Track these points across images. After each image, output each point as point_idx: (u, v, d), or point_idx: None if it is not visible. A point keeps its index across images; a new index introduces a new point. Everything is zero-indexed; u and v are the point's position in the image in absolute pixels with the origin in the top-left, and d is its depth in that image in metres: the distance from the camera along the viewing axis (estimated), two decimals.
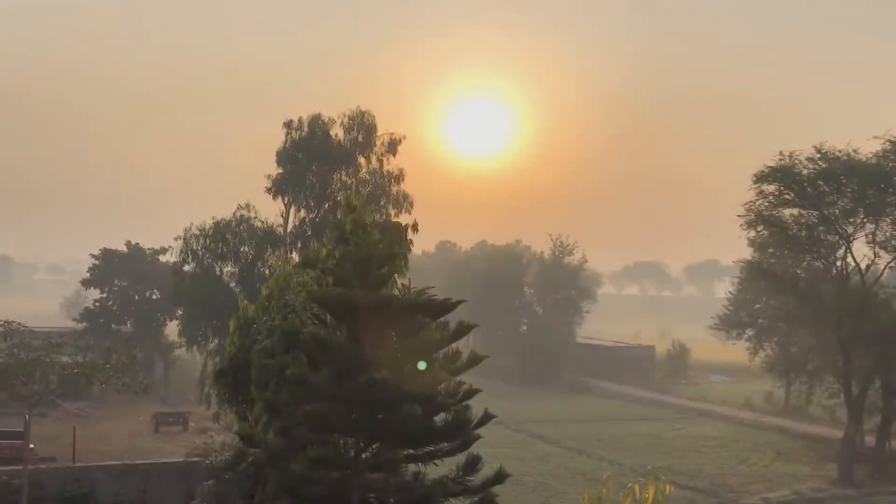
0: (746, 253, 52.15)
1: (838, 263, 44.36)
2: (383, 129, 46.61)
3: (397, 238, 25.00)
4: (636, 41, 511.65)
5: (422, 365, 16.08)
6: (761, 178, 42.57)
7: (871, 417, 46.57)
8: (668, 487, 9.64)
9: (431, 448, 16.65)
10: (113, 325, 68.03)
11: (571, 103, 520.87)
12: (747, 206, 43.69)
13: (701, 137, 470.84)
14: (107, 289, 70.17)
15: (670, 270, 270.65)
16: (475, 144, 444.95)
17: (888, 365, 43.21)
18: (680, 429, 56.37)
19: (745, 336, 68.71)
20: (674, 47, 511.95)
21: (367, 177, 45.93)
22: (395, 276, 21.05)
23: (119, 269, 70.03)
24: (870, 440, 45.52)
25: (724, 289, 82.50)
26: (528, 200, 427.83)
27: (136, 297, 69.95)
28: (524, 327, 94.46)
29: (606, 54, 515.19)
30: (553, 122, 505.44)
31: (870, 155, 41.80)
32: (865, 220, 42.54)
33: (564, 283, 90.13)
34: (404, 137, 46.71)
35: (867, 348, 43.49)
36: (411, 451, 16.68)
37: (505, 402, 59.23)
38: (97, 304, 70.15)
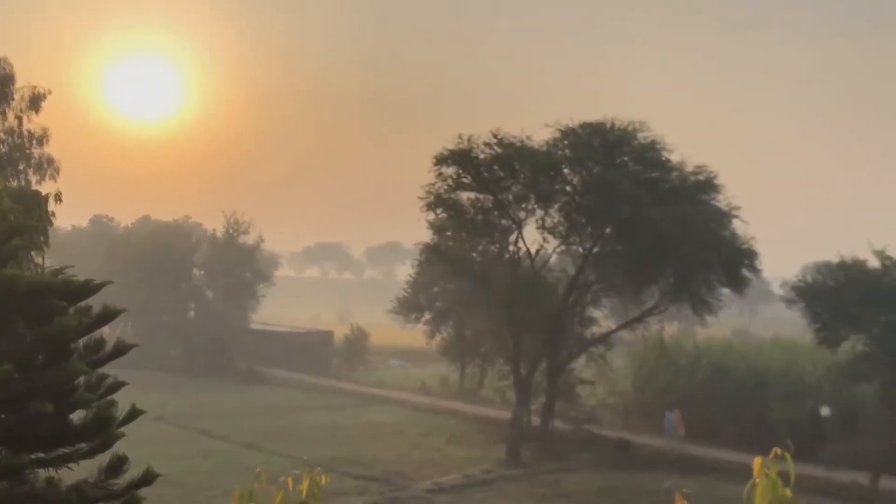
0: (426, 236, 54.24)
1: (511, 248, 48.18)
2: (25, 81, 42.73)
3: (35, 208, 23.03)
4: (325, 14, 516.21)
5: None
6: (441, 160, 44.95)
7: (538, 398, 51.08)
8: (323, 478, 9.73)
9: (66, 450, 15.49)
10: None
11: (249, 70, 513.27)
12: (427, 187, 45.96)
13: (384, 117, 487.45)
14: None
15: (352, 252, 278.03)
16: (143, 109, 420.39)
17: (553, 347, 47.79)
18: (357, 416, 57.93)
19: (423, 319, 72.31)
20: (362, 23, 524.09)
21: (3, 136, 41.85)
22: (33, 253, 19.34)
23: None
24: (537, 421, 49.92)
25: (405, 272, 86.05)
26: (200, 174, 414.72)
27: None
28: (192, 313, 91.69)
29: (289, 29, 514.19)
30: (231, 90, 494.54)
31: (542, 143, 45.78)
32: (536, 206, 46.62)
33: (239, 265, 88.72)
34: (49, 92, 42.97)
35: (536, 331, 47.72)
36: (42, 455, 15.37)
37: (168, 396, 57.16)
38: None
